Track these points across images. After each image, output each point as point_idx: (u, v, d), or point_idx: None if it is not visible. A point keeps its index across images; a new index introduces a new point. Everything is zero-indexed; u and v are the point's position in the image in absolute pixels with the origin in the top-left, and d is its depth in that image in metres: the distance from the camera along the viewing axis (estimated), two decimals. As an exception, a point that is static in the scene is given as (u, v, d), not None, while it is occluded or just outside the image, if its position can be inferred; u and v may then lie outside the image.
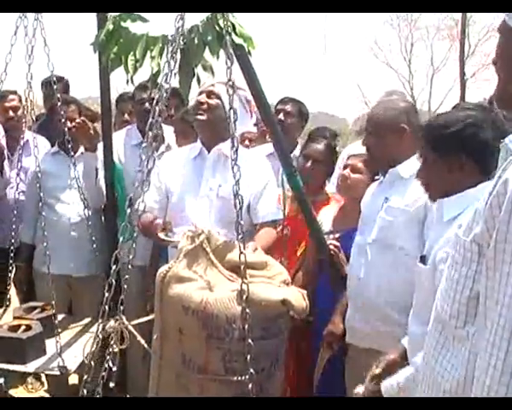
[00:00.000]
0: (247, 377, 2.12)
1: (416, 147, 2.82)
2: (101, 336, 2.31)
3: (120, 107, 4.61)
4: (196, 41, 2.46)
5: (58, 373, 2.92)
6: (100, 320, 2.27)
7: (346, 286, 2.97)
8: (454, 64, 23.00)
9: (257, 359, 2.19)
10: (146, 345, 2.56)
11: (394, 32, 28.93)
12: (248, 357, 2.13)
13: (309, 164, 3.48)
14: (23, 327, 3.08)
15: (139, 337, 2.49)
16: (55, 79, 4.70)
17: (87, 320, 3.55)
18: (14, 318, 3.26)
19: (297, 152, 4.10)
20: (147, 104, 3.81)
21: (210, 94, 3.05)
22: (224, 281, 2.35)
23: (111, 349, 2.35)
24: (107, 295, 2.24)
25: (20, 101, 3.80)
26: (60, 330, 3.08)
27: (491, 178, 2.09)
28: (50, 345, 3.04)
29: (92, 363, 2.29)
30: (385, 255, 2.76)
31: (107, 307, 2.28)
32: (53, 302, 3.11)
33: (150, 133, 2.30)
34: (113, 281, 2.28)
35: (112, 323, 2.36)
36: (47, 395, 4.30)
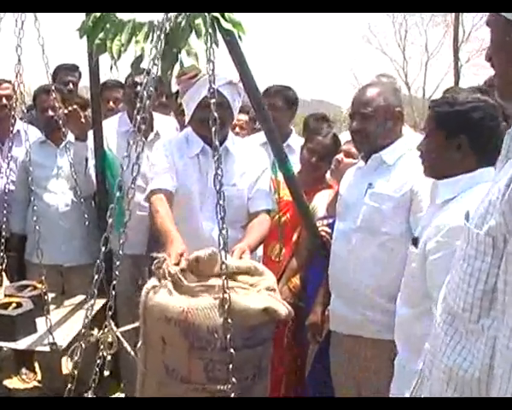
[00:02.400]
0: (230, 386, 2.13)
1: (399, 132, 2.82)
2: (84, 346, 2.31)
3: (105, 94, 4.54)
4: (183, 24, 2.42)
5: (48, 350, 2.89)
6: (89, 303, 2.29)
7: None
8: (448, 50, 22.98)
9: (240, 368, 2.19)
10: (133, 352, 2.53)
11: (388, 18, 28.81)
12: (231, 367, 2.13)
13: (314, 159, 3.45)
14: (14, 305, 3.06)
15: (126, 344, 2.48)
16: (68, 66, 4.78)
17: (78, 299, 3.53)
18: (5, 296, 3.23)
19: (291, 140, 4.06)
20: (138, 87, 3.77)
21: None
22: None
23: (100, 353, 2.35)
24: (96, 277, 2.30)
25: (14, 91, 3.77)
26: (51, 308, 3.05)
27: (491, 166, 2.11)
28: (41, 323, 3.01)
29: (76, 372, 2.29)
30: (370, 242, 2.73)
31: (95, 291, 2.33)
32: (43, 278, 3.07)
33: (138, 118, 2.29)
34: (103, 264, 2.31)
35: (95, 333, 2.34)
36: (40, 386, 4.30)
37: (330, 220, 3.10)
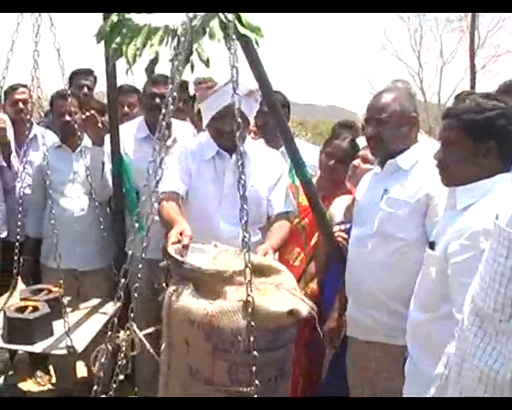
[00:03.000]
0: (253, 388, 2.13)
1: (414, 138, 2.82)
2: (110, 348, 2.33)
3: (119, 99, 4.56)
4: (196, 27, 2.41)
5: (65, 353, 2.90)
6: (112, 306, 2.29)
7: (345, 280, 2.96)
8: (464, 56, 22.91)
9: (263, 370, 2.19)
10: (155, 354, 2.54)
11: (403, 24, 28.75)
12: (254, 369, 2.12)
13: (332, 163, 3.46)
14: (30, 308, 3.07)
15: (149, 346, 2.49)
16: (83, 70, 4.85)
17: (95, 302, 3.55)
18: (21, 299, 3.25)
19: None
20: (157, 99, 3.78)
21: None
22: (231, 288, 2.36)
23: (122, 355, 2.35)
24: (123, 281, 2.29)
25: (31, 95, 3.81)
26: (67, 311, 3.04)
27: (509, 171, 2.11)
28: (57, 327, 3.03)
29: (102, 374, 2.30)
30: (385, 247, 2.74)
31: (122, 293, 2.31)
32: (61, 281, 3.07)
33: (163, 124, 2.31)
34: (130, 267, 2.32)
35: (121, 334, 2.34)
36: (54, 388, 4.32)
37: (347, 226, 3.10)
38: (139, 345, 2.42)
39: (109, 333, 2.32)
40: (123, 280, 2.31)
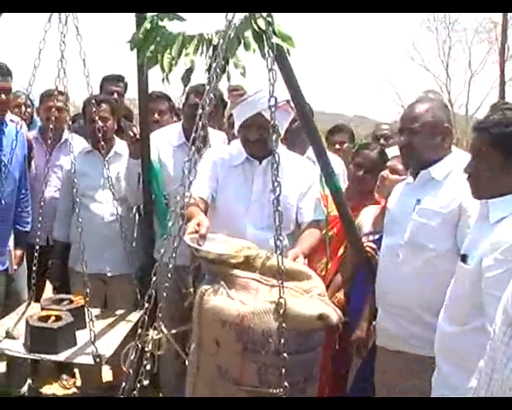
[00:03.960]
0: (281, 390, 2.13)
1: (448, 148, 2.81)
2: (140, 346, 2.34)
3: (150, 106, 4.56)
4: (232, 36, 2.41)
5: (92, 362, 2.91)
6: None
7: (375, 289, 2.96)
8: (492, 67, 22.76)
9: (292, 372, 2.20)
10: (183, 354, 2.55)
11: (432, 34, 28.63)
12: (283, 370, 2.13)
13: (360, 173, 3.49)
14: (53, 317, 3.09)
15: (177, 347, 2.50)
16: (113, 76, 4.85)
17: (119, 311, 3.58)
18: (43, 309, 3.27)
19: (310, 153, 4.03)
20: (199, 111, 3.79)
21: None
22: (264, 289, 2.38)
23: (148, 354, 2.36)
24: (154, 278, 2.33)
25: (66, 102, 3.85)
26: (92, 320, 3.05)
27: None
28: (81, 336, 3.05)
29: (131, 371, 2.31)
30: (417, 257, 2.74)
31: (153, 292, 2.35)
32: (87, 290, 3.06)
33: (199, 133, 2.33)
34: (161, 266, 2.36)
35: (151, 333, 2.35)
36: (79, 392, 4.34)
37: (376, 236, 3.11)
38: (165, 345, 2.43)
39: (139, 331, 2.33)
40: (154, 278, 2.33)
